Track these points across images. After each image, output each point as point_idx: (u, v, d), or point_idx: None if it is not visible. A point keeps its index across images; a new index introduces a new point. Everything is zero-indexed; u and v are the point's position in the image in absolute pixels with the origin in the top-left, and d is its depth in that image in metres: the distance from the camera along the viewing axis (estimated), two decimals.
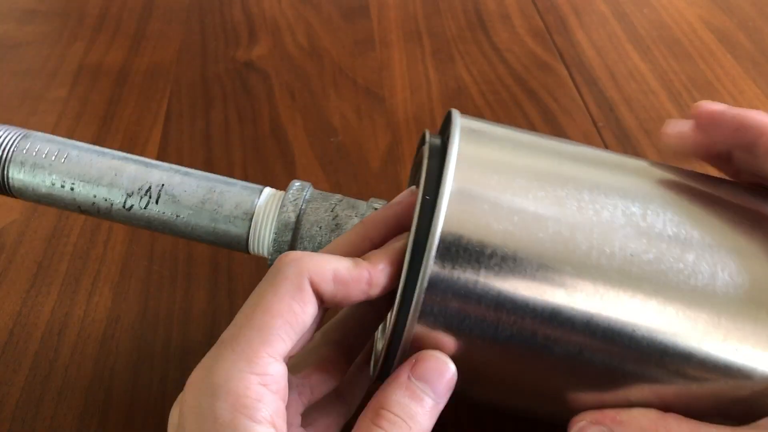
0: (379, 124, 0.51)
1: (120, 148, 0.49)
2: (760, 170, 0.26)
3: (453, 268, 0.23)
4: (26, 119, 0.53)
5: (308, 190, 0.31)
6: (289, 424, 0.24)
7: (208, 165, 0.48)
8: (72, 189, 0.31)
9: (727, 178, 0.28)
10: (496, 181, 0.24)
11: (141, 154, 0.49)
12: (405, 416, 0.23)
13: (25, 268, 0.41)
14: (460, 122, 0.25)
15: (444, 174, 0.23)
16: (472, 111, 0.52)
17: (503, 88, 0.55)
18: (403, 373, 0.23)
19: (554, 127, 0.51)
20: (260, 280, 0.24)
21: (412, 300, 0.23)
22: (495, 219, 0.23)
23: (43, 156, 0.31)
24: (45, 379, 0.35)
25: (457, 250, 0.23)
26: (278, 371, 0.23)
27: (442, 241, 0.22)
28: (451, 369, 0.24)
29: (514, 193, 0.24)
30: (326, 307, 0.24)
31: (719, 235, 0.24)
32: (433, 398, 0.23)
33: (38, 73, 0.58)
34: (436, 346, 0.24)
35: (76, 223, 0.44)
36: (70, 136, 0.50)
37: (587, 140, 0.50)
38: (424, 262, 0.22)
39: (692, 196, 0.25)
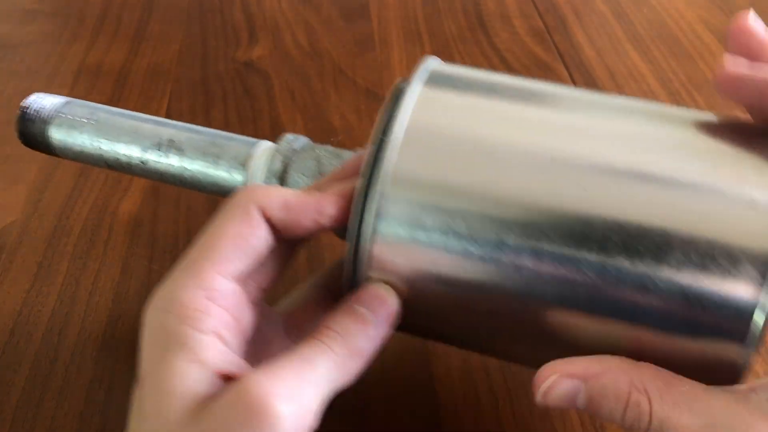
0: None
1: None
2: None
3: (402, 198, 0.24)
4: None
5: (300, 141, 0.33)
6: (271, 355, 0.25)
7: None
8: (100, 147, 0.35)
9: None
10: (451, 123, 0.24)
11: None
12: (341, 330, 0.24)
13: (25, 268, 0.41)
14: (427, 65, 0.27)
15: (397, 112, 0.24)
16: None
17: None
18: (346, 299, 0.25)
19: None
20: None
21: (360, 229, 0.24)
22: (446, 158, 0.24)
23: (78, 119, 0.36)
24: (45, 379, 0.36)
25: (405, 182, 0.24)
26: (227, 288, 0.24)
27: (392, 175, 0.24)
28: (391, 297, 0.25)
29: (468, 133, 0.24)
30: (284, 236, 0.26)
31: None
32: (372, 320, 0.24)
33: (38, 73, 0.58)
34: (393, 272, 0.25)
35: (76, 223, 0.44)
36: None
37: None
38: (371, 195, 0.24)
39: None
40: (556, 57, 0.58)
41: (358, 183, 0.24)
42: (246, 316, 0.25)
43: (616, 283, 0.23)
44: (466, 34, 0.61)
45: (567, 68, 0.57)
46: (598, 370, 0.23)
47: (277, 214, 0.25)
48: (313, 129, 0.51)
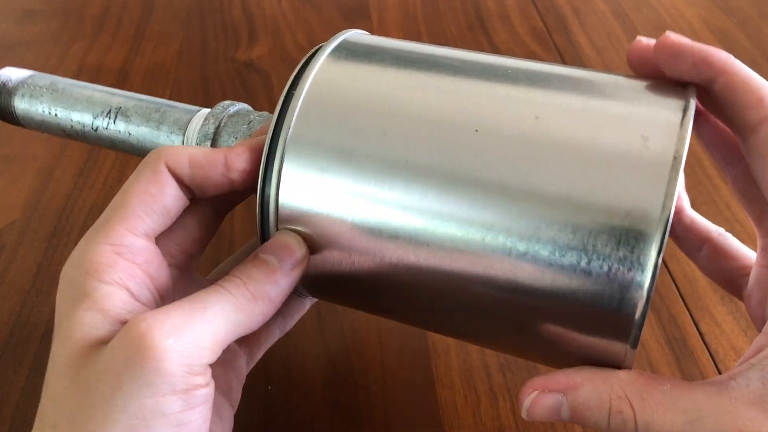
0: None
1: None
2: (717, 108, 0.25)
3: (304, 147, 0.25)
4: None
5: (236, 107, 0.34)
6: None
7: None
8: (56, 115, 0.36)
9: None
10: (344, 82, 0.26)
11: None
12: (242, 275, 0.24)
13: (25, 268, 0.41)
14: (341, 36, 0.28)
15: (301, 75, 0.26)
16: None
17: None
18: (253, 252, 0.25)
19: None
20: None
21: (266, 180, 0.25)
22: (339, 109, 0.25)
23: (38, 89, 0.37)
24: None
25: (306, 130, 0.25)
26: (136, 244, 0.25)
27: (294, 125, 0.25)
28: (296, 244, 0.25)
29: (359, 89, 0.26)
30: (198, 195, 0.26)
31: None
32: (278, 268, 0.25)
33: None
34: (300, 221, 0.25)
35: (76, 224, 0.44)
36: None
37: None
38: (275, 145, 0.25)
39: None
40: (556, 57, 0.58)
41: (267, 136, 0.25)
42: (162, 274, 0.25)
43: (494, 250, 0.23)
44: (466, 34, 0.61)
45: None
46: (576, 382, 0.23)
47: (184, 170, 0.26)
48: None
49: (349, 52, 0.27)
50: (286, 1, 0.66)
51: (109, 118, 0.36)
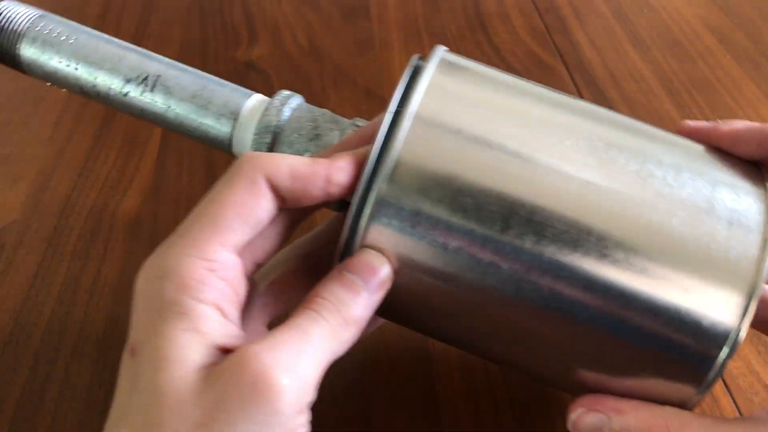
0: None
1: (120, 148, 0.50)
2: None
3: (411, 170, 0.23)
4: (27, 119, 0.53)
5: (296, 100, 0.32)
6: (254, 332, 0.25)
7: (209, 165, 0.48)
8: (76, 69, 0.32)
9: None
10: (463, 113, 0.24)
11: (141, 155, 0.49)
12: (334, 299, 0.23)
13: (25, 268, 0.41)
14: (441, 55, 0.26)
15: (412, 94, 0.24)
16: None
17: None
18: (337, 267, 0.24)
19: None
20: None
21: (366, 198, 0.24)
22: (454, 147, 0.24)
23: (54, 35, 0.32)
24: (45, 379, 0.36)
25: (415, 155, 0.24)
26: (228, 260, 0.23)
27: (398, 160, 0.23)
28: (382, 266, 0.24)
29: (479, 126, 0.24)
30: (288, 206, 0.25)
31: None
32: (364, 288, 0.24)
33: None
34: (390, 243, 0.24)
35: (76, 223, 0.44)
36: (71, 137, 0.51)
37: None
38: (383, 162, 0.23)
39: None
40: (556, 57, 0.58)
41: (371, 150, 0.24)
42: (244, 289, 0.24)
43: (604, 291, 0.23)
44: (466, 34, 0.61)
45: (567, 68, 0.57)
46: (623, 408, 0.25)
47: (284, 183, 0.24)
48: None
49: (456, 74, 0.26)
50: (286, 1, 0.66)
51: (145, 86, 0.32)
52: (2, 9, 0.33)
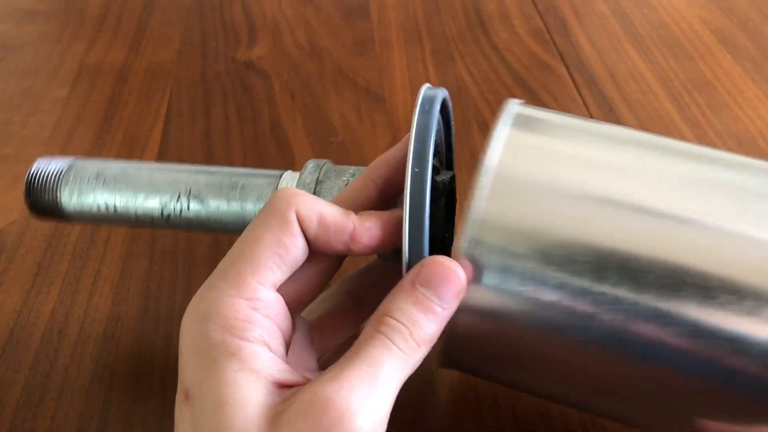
0: (379, 124, 0.51)
1: (120, 148, 0.50)
2: None
3: (490, 245, 0.23)
4: (26, 119, 0.53)
5: (324, 168, 0.31)
6: (304, 368, 0.25)
7: (209, 165, 0.48)
8: (115, 210, 0.33)
9: None
10: (533, 172, 0.23)
11: (141, 154, 0.49)
12: (406, 321, 0.22)
13: (25, 268, 0.41)
14: (511, 108, 0.26)
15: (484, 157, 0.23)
16: (472, 111, 0.52)
17: (503, 88, 0.55)
18: (407, 280, 0.23)
19: None
20: None
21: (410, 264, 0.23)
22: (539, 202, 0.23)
23: (86, 182, 0.33)
24: (45, 379, 0.35)
25: (493, 228, 0.23)
26: (269, 298, 0.23)
27: (482, 220, 0.23)
28: (458, 274, 0.23)
29: (549, 184, 0.23)
30: (314, 249, 0.25)
31: None
32: (438, 304, 0.23)
33: (38, 73, 0.58)
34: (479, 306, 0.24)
35: (75, 224, 0.44)
36: (70, 137, 0.51)
37: None
38: (417, 244, 0.23)
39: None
40: (556, 57, 0.58)
41: (405, 214, 0.23)
42: (287, 325, 0.24)
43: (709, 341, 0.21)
44: (466, 34, 0.61)
45: (567, 68, 0.57)
46: None
47: (311, 227, 0.24)
48: (313, 129, 0.51)
49: (527, 130, 0.25)
50: (286, 1, 0.66)
51: (181, 204, 0.32)
52: (36, 170, 0.34)
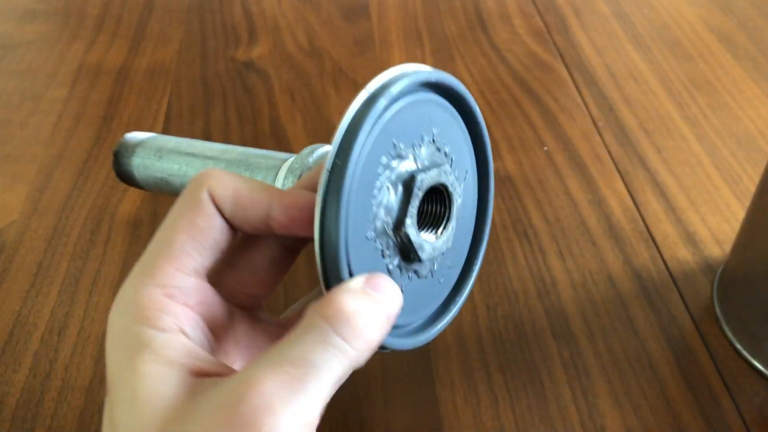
0: None
1: None
2: None
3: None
4: (26, 119, 0.53)
5: (317, 152, 0.33)
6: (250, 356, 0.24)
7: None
8: (167, 181, 0.39)
9: None
10: None
11: None
12: (345, 318, 0.20)
13: (25, 268, 0.41)
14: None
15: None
16: None
17: (503, 88, 0.55)
18: (356, 282, 0.22)
19: (554, 127, 0.51)
20: None
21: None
22: None
23: (150, 155, 0.39)
24: (45, 379, 0.35)
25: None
26: (187, 284, 0.22)
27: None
28: (400, 295, 0.22)
29: None
30: (238, 228, 0.23)
31: None
32: (385, 312, 0.21)
33: (38, 73, 0.58)
34: None
35: (76, 223, 0.44)
36: (70, 136, 0.51)
37: (587, 140, 0.49)
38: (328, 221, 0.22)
39: None
40: (556, 56, 0.58)
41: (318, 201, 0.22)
42: (217, 314, 0.23)
43: None
44: (466, 33, 0.61)
45: (567, 68, 0.56)
46: None
47: (226, 206, 0.23)
48: (312, 129, 0.51)
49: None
50: (286, 1, 0.66)
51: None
52: (121, 142, 0.40)
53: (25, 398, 0.35)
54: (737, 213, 0.44)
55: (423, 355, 0.36)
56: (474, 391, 0.35)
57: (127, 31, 0.63)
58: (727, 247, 0.42)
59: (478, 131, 0.28)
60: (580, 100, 0.53)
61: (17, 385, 0.35)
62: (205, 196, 0.23)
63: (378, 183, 0.23)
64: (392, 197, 0.24)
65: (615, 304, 0.39)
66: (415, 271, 0.25)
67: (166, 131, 0.51)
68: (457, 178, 0.27)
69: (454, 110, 0.26)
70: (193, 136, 0.51)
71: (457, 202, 0.26)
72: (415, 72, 0.24)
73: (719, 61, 0.56)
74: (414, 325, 0.26)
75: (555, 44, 0.59)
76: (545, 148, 0.49)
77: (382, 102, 0.23)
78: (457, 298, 0.28)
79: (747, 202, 0.45)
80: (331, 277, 0.22)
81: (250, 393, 0.19)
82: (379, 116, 0.23)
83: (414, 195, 0.24)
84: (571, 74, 0.56)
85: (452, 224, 0.26)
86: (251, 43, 0.61)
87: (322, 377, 0.20)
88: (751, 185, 0.46)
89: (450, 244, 0.27)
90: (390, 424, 0.34)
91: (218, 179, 0.23)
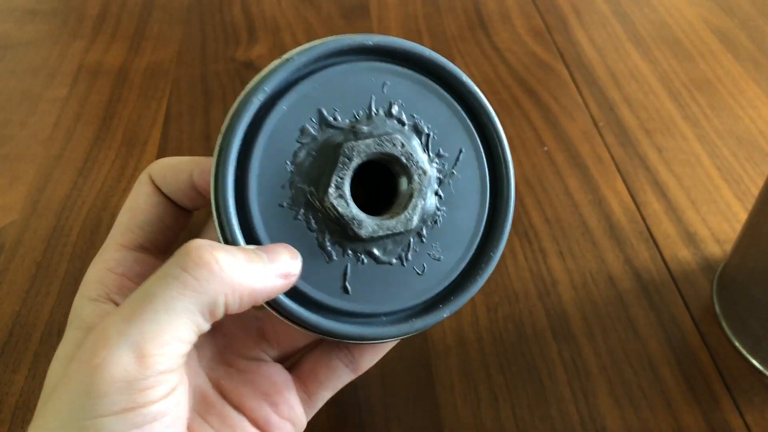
0: None
1: (119, 148, 0.50)
2: None
3: None
4: (26, 119, 0.53)
5: None
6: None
7: None
8: None
9: None
10: None
11: (140, 154, 0.49)
12: (198, 254, 0.20)
13: (24, 268, 0.41)
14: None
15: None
16: None
17: (503, 88, 0.55)
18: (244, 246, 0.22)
19: (554, 127, 0.51)
20: None
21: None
22: None
23: None
24: (44, 380, 0.35)
25: None
26: (128, 257, 0.25)
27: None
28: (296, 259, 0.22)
29: None
30: (177, 202, 0.26)
31: None
32: (259, 259, 0.21)
33: (38, 73, 0.58)
34: None
35: (75, 223, 0.44)
36: (70, 136, 0.51)
37: (587, 140, 0.49)
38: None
39: None
40: (556, 56, 0.58)
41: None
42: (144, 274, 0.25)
43: None
44: (467, 33, 0.61)
45: (567, 68, 0.56)
46: None
47: (161, 183, 0.25)
48: None
49: None
50: (285, 1, 0.66)
51: None
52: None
53: (24, 398, 0.35)
54: (738, 213, 0.44)
55: (423, 355, 0.36)
56: (474, 392, 0.35)
57: (127, 31, 0.63)
58: (728, 247, 0.42)
59: (476, 107, 0.25)
60: (580, 100, 0.53)
61: (17, 385, 0.35)
62: (144, 178, 0.25)
63: (294, 150, 0.23)
64: (315, 166, 0.23)
65: (615, 304, 0.39)
66: (370, 254, 0.24)
67: (165, 131, 0.51)
68: (439, 156, 0.25)
69: (435, 85, 0.25)
70: (193, 135, 0.51)
71: (429, 180, 0.24)
72: (337, 39, 0.23)
73: (720, 61, 0.56)
74: (397, 316, 0.25)
75: (555, 44, 0.59)
76: (545, 148, 0.49)
77: (287, 67, 0.22)
78: (462, 294, 0.25)
79: (747, 202, 0.45)
80: (226, 240, 0.22)
81: (90, 334, 0.20)
82: (285, 81, 0.23)
83: (340, 162, 0.23)
84: (571, 74, 0.56)
85: (420, 204, 0.24)
86: (251, 43, 0.61)
87: (156, 304, 0.19)
88: (751, 185, 0.46)
89: (424, 230, 0.25)
90: (390, 425, 0.34)
91: (158, 162, 0.25)
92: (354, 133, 0.24)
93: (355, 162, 0.23)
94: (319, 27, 0.62)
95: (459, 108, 0.25)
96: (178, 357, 0.20)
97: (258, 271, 0.21)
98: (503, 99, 0.53)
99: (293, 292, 0.23)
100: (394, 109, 0.24)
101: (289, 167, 0.23)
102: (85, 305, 0.23)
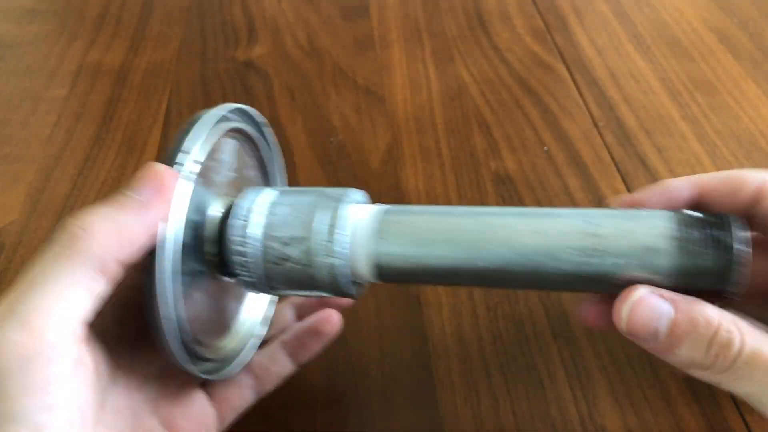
0: (379, 124, 0.51)
1: (119, 148, 0.50)
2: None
3: None
4: (26, 119, 0.53)
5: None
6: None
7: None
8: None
9: None
10: None
11: (140, 154, 0.49)
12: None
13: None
14: None
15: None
16: (472, 111, 0.52)
17: (503, 88, 0.55)
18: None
19: (554, 127, 0.51)
20: None
21: None
22: None
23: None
24: None
25: None
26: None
27: None
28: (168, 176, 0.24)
29: None
30: None
31: None
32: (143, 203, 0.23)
33: (38, 72, 0.58)
34: None
35: None
36: (70, 136, 0.51)
37: (587, 140, 0.49)
38: None
39: None
40: (556, 56, 0.58)
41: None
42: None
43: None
44: (467, 33, 0.61)
45: (567, 68, 0.56)
46: (689, 300, 0.22)
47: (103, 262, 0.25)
48: (312, 129, 0.51)
49: None
50: (285, 1, 0.66)
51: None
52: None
53: None
54: None
55: (423, 355, 0.36)
56: (474, 392, 0.35)
57: (127, 31, 0.63)
58: None
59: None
60: (580, 100, 0.53)
61: None
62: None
63: None
64: None
65: None
66: None
67: (165, 131, 0.51)
68: None
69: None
70: None
71: None
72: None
73: (720, 60, 0.56)
74: None
75: (555, 44, 0.59)
76: (545, 148, 0.49)
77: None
78: None
79: None
80: None
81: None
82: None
83: None
84: (571, 74, 0.56)
85: None
86: (251, 43, 0.61)
87: (36, 276, 0.21)
88: None
89: None
90: (390, 425, 0.34)
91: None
92: None
93: None
94: (319, 27, 0.62)
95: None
96: (74, 324, 0.21)
97: (129, 220, 0.22)
98: (503, 99, 0.53)
99: None
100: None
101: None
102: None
